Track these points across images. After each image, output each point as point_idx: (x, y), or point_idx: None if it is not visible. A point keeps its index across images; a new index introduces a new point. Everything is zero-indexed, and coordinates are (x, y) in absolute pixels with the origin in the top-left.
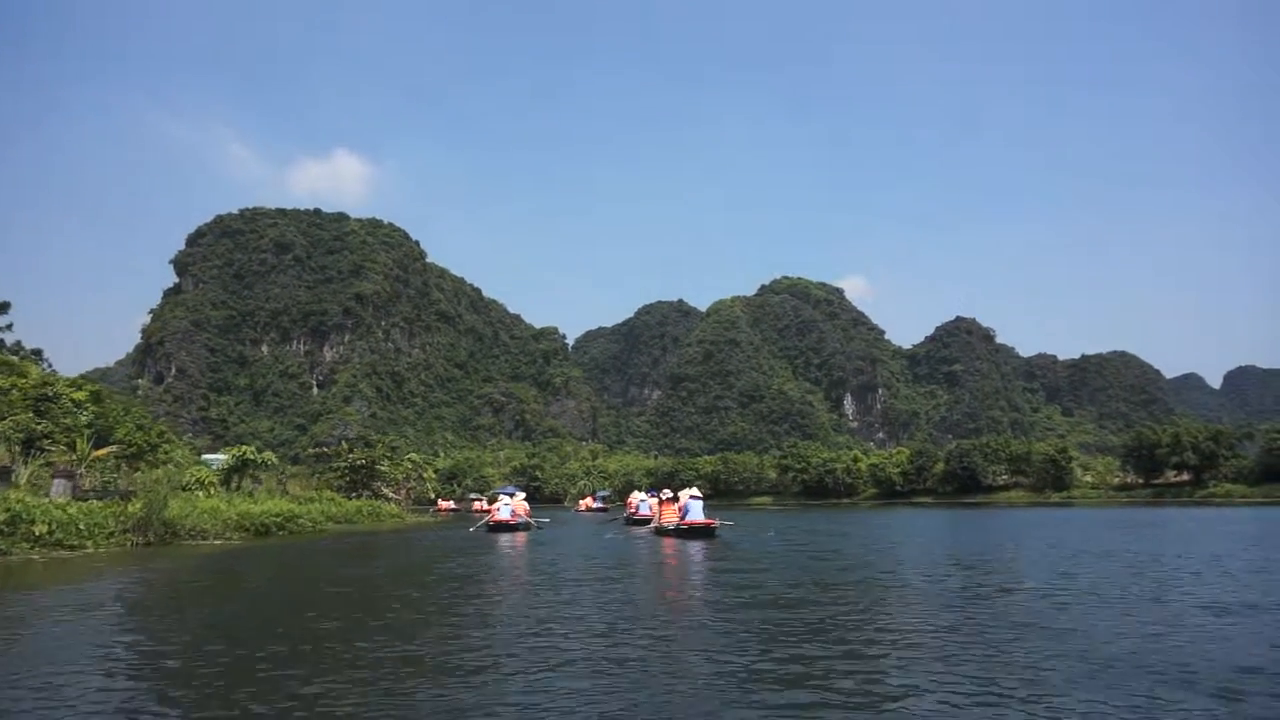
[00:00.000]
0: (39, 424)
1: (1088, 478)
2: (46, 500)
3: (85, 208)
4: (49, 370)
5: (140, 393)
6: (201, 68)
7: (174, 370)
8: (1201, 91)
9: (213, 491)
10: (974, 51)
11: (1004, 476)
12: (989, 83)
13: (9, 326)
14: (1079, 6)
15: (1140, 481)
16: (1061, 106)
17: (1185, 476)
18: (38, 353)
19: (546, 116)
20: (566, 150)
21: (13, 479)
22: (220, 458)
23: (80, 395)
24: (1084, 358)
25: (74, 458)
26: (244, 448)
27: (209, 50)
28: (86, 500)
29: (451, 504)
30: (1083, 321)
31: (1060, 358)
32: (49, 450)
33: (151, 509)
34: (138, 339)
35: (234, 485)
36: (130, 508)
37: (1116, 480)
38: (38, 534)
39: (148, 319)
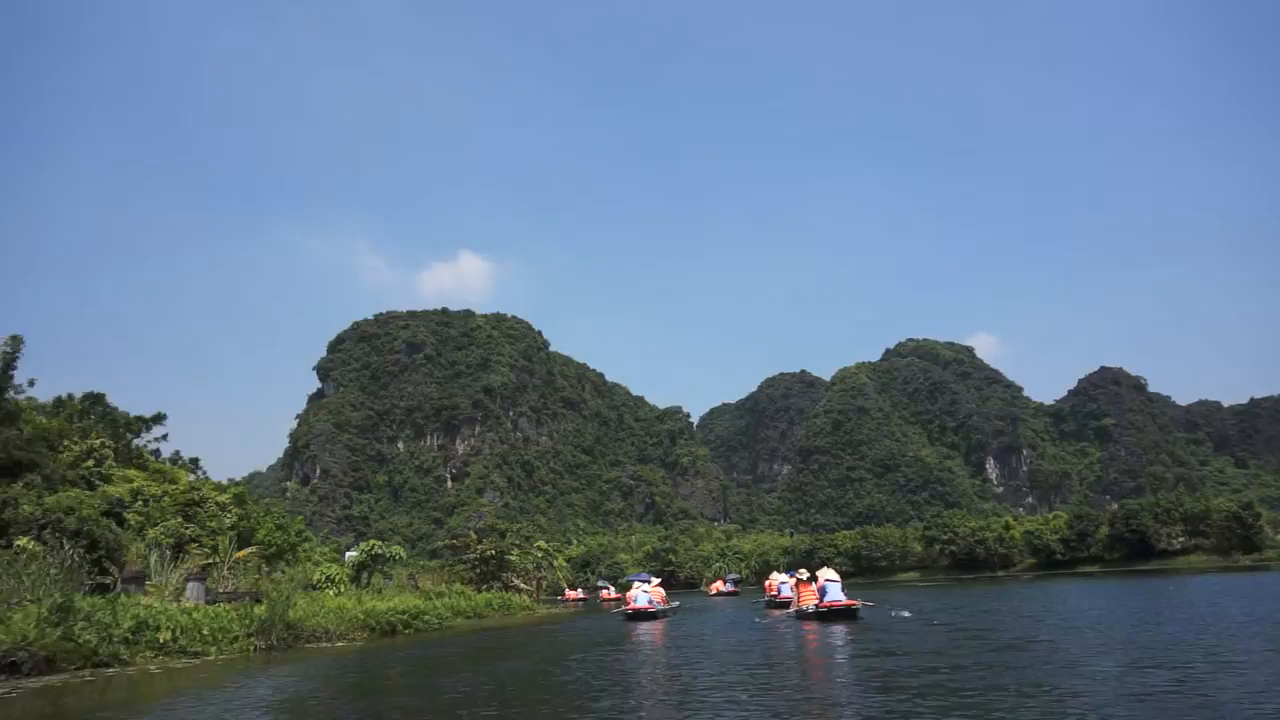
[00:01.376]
0: (187, 528)
1: None
2: (174, 605)
3: (241, 326)
4: (203, 477)
5: (289, 494)
6: (337, 188)
7: (319, 471)
8: None
9: (343, 589)
10: (1104, 94)
11: (1180, 539)
12: (1118, 115)
13: (164, 437)
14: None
15: None
16: (1204, 135)
17: None
18: (195, 461)
19: (654, 195)
20: (680, 229)
21: (150, 582)
22: (353, 553)
23: (224, 498)
24: (1253, 401)
25: (217, 560)
26: (373, 542)
27: (344, 171)
28: (218, 603)
29: (580, 593)
30: (1246, 362)
31: (1225, 404)
32: (194, 554)
33: (274, 610)
34: (286, 444)
35: (364, 581)
36: (256, 610)
37: None
38: (161, 641)
39: (295, 424)
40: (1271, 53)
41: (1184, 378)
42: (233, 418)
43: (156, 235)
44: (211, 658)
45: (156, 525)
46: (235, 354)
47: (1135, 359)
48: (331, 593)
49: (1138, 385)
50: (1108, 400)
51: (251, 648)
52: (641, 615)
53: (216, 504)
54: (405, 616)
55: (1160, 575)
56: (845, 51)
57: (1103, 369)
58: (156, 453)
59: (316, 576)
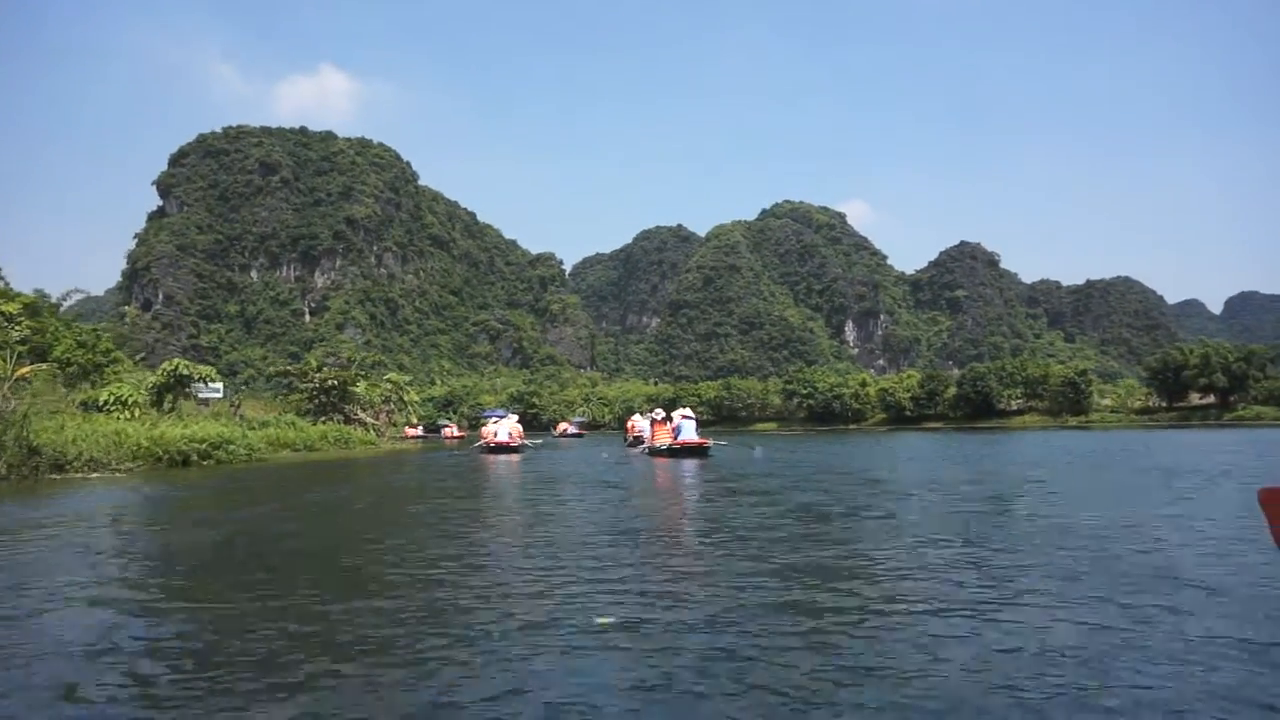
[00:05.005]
0: None
1: (1105, 401)
2: None
3: (67, 127)
4: (7, 289)
5: (128, 320)
6: None
7: (161, 297)
8: (1207, 21)
9: (137, 413)
10: None
11: (1018, 401)
12: (996, 6)
13: None
14: None
15: (1163, 405)
16: (1067, 33)
17: (1211, 399)
18: None
19: (540, 34)
20: (561, 72)
21: None
22: (218, 385)
23: (11, 308)
24: (1088, 283)
25: None
26: (177, 361)
27: None
28: None
29: (420, 430)
30: (1086, 247)
31: (1064, 283)
32: None
33: (7, 431)
34: (124, 265)
35: (166, 406)
36: None
37: (1139, 404)
38: None
39: (133, 244)
40: None
41: (1033, 256)
42: (65, 236)
43: None
44: None
45: None
46: (59, 161)
47: (992, 236)
48: (124, 416)
49: (991, 261)
50: (963, 273)
51: None
52: (500, 449)
53: (1, 314)
54: (204, 445)
55: (997, 432)
56: None
57: (962, 243)
58: None
59: (103, 397)
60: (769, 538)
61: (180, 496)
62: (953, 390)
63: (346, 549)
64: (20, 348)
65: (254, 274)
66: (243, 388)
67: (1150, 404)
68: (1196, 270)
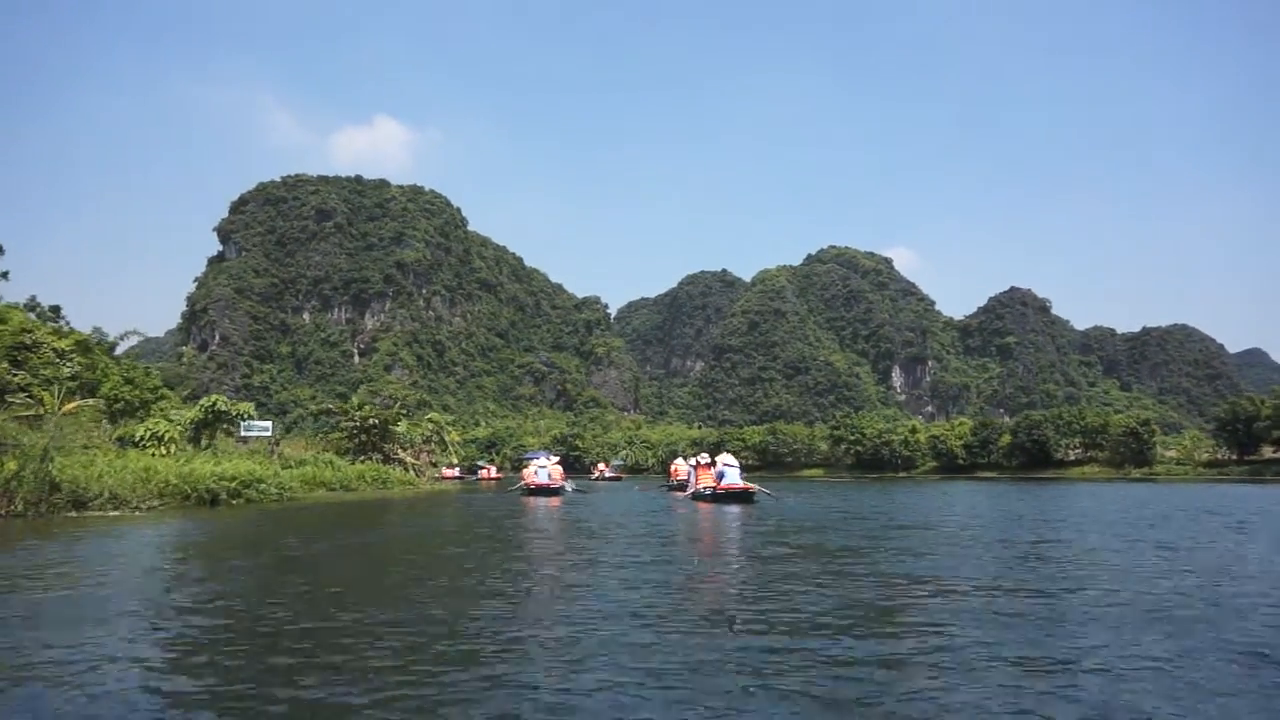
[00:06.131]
0: (15, 375)
1: (1171, 453)
2: None
3: (133, 180)
4: (64, 327)
5: (185, 360)
6: (242, 35)
7: (218, 338)
8: (1271, 54)
9: (173, 449)
10: (1029, 18)
11: (1077, 450)
12: (1043, 48)
13: (4, 274)
14: None
15: (1233, 457)
16: (1115, 71)
17: None
18: (56, 309)
19: (590, 84)
20: (608, 119)
21: None
22: (266, 424)
23: (63, 344)
24: (1144, 330)
25: (42, 412)
26: (215, 397)
27: (249, 17)
28: None
29: (456, 471)
30: (1142, 293)
31: (1119, 330)
32: (13, 404)
33: (26, 466)
34: (184, 307)
35: (203, 443)
36: (8, 465)
37: (1206, 456)
38: None
39: (193, 287)
40: None
41: (1085, 303)
42: (128, 280)
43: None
44: None
45: None
46: (127, 211)
47: (1043, 282)
48: (159, 453)
49: (1043, 307)
50: (1013, 319)
51: None
52: (540, 491)
53: (54, 350)
54: (234, 484)
55: (1056, 483)
56: None
57: (1012, 289)
58: None
59: (140, 433)
60: (865, 630)
61: (185, 541)
62: (1007, 438)
63: (329, 627)
64: (70, 383)
65: (306, 316)
66: (292, 427)
67: (1219, 456)
68: (1258, 318)
